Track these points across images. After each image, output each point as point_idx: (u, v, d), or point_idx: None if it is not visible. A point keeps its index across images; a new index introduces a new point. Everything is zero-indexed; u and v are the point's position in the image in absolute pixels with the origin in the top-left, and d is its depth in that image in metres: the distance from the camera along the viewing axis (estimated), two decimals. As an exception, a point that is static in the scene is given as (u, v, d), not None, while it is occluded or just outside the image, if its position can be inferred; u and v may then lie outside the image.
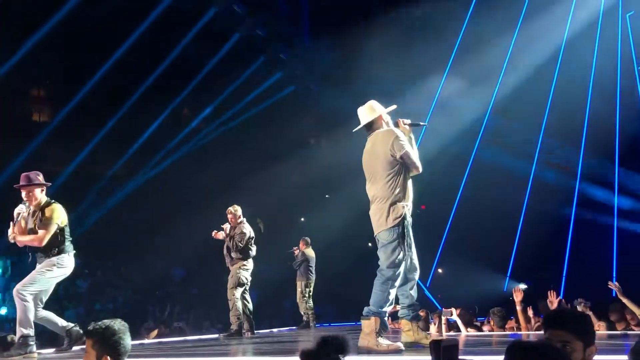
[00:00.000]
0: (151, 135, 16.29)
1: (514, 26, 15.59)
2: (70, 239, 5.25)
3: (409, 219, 4.39)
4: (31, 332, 4.91)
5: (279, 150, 17.15)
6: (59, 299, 13.47)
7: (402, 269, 4.36)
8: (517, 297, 7.21)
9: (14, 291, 4.96)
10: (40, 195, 5.15)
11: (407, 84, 14.64)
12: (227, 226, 7.94)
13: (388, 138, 4.39)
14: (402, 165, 4.39)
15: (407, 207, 4.37)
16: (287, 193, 16.57)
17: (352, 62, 15.63)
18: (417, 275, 4.52)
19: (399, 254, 4.31)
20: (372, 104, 4.63)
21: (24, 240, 5.06)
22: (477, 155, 16.32)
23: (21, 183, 5.12)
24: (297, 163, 16.80)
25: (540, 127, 16.11)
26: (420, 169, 4.44)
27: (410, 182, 4.47)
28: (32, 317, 4.92)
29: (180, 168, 17.02)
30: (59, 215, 5.10)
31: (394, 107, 4.66)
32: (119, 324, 3.02)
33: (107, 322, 3.02)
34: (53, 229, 5.04)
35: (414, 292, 4.51)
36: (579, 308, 6.53)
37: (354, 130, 4.76)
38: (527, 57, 15.25)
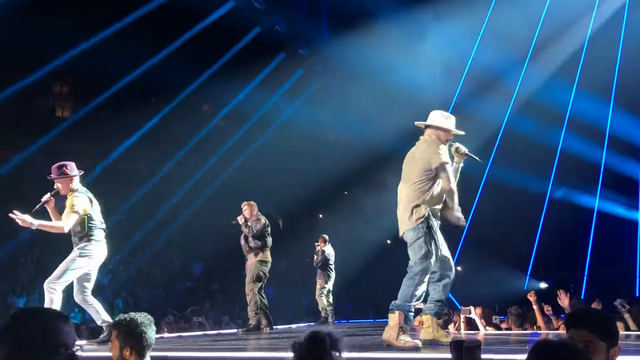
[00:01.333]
0: (171, 131, 16.41)
1: (537, 19, 15.38)
2: (102, 227, 5.36)
3: (434, 220, 4.51)
4: None
5: (298, 146, 17.16)
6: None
7: (429, 265, 4.42)
8: (532, 298, 7.19)
9: (45, 284, 5.10)
10: (70, 185, 5.27)
11: (427, 79, 14.52)
12: (240, 217, 8.00)
13: (431, 147, 4.56)
14: (437, 176, 4.53)
15: (429, 209, 4.48)
16: (305, 190, 16.57)
17: (371, 58, 15.55)
18: (452, 274, 4.60)
19: (426, 251, 4.40)
20: (448, 115, 4.77)
21: (42, 225, 5.14)
22: (498, 152, 16.13)
23: (51, 175, 5.31)
24: (316, 159, 16.80)
25: (563, 123, 15.85)
26: (450, 188, 4.58)
27: (440, 193, 4.58)
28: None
29: (200, 163, 17.12)
30: (79, 203, 5.17)
31: (462, 133, 4.80)
32: (143, 317, 3.08)
33: (132, 314, 3.09)
34: (72, 217, 5.12)
35: (445, 290, 4.57)
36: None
37: (415, 123, 4.88)
38: (550, 51, 15.04)
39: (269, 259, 7.90)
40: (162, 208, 16.46)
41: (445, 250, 4.55)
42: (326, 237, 10.48)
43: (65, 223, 5.12)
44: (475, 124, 15.21)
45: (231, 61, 16.31)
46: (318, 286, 10.27)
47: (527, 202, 15.92)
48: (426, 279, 4.42)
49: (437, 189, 4.54)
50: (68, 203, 5.17)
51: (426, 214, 4.44)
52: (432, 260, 4.42)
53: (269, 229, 7.94)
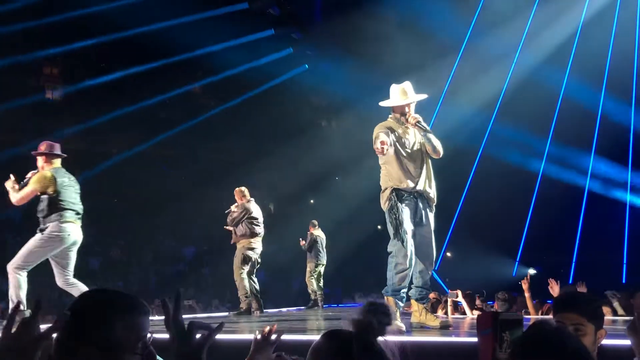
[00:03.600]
0: (161, 113, 16.27)
1: (530, 8, 15.36)
2: (74, 208, 5.20)
3: (402, 203, 4.46)
4: (21, 306, 4.88)
5: (290, 131, 17.11)
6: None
7: (402, 250, 4.38)
8: (525, 285, 7.25)
9: (8, 267, 4.99)
10: (47, 164, 5.22)
11: (420, 64, 14.48)
12: (235, 205, 8.04)
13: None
14: (393, 155, 4.51)
15: (395, 191, 4.47)
16: (297, 174, 16.57)
17: (364, 43, 15.45)
18: (428, 261, 4.55)
19: (394, 236, 4.41)
20: (405, 88, 4.67)
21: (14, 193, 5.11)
22: (490, 138, 16.18)
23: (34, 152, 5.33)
24: (307, 144, 16.77)
25: (554, 111, 15.86)
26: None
27: (397, 170, 4.51)
28: (22, 294, 4.94)
29: (191, 147, 17.03)
30: (37, 181, 5.08)
31: (424, 96, 4.73)
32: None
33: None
34: (25, 192, 5.06)
35: (424, 275, 4.55)
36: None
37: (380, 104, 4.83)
38: (543, 38, 15.03)
39: (255, 245, 7.91)
40: (154, 191, 16.39)
41: (422, 236, 4.52)
42: (315, 222, 10.53)
43: (16, 196, 5.08)
44: (469, 110, 15.28)
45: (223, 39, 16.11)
46: (308, 269, 10.32)
47: (517, 190, 15.99)
48: (401, 265, 4.38)
49: (389, 168, 4.55)
50: (32, 179, 5.12)
51: (389, 196, 4.50)
52: (407, 246, 4.38)
53: (251, 217, 7.89)
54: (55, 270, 5.18)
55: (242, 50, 16.37)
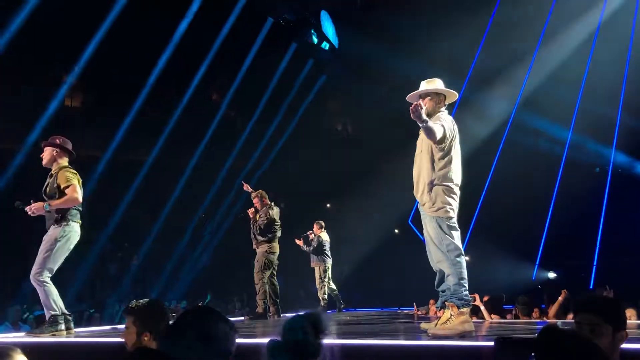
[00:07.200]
0: (182, 122, 16.40)
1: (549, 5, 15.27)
2: (80, 209, 5.14)
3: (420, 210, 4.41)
4: (59, 311, 4.88)
5: (306, 136, 17.16)
6: (90, 281, 13.83)
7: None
8: (562, 297, 7.17)
9: (31, 278, 4.87)
10: (57, 159, 5.15)
11: (438, 67, 14.46)
12: (252, 210, 8.06)
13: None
14: None
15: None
16: (313, 179, 16.59)
17: (381, 46, 15.45)
18: (440, 264, 4.32)
19: None
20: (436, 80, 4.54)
21: (56, 204, 4.94)
22: (508, 139, 16.08)
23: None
24: (324, 149, 16.80)
25: (573, 111, 15.70)
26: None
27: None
28: (56, 298, 4.89)
29: (209, 153, 17.13)
30: (73, 176, 5.00)
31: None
32: (159, 303, 3.08)
33: (147, 300, 3.06)
34: (76, 187, 4.95)
35: (440, 279, 4.39)
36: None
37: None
38: (562, 35, 14.93)
39: (276, 249, 7.95)
40: (172, 197, 16.53)
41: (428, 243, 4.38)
42: (322, 223, 10.36)
43: (75, 195, 4.92)
44: (486, 112, 15.19)
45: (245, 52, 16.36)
46: (317, 274, 10.17)
47: (536, 193, 15.85)
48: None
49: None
50: (62, 178, 4.98)
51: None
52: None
53: (276, 223, 7.95)
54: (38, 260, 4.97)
55: (261, 58, 16.58)
